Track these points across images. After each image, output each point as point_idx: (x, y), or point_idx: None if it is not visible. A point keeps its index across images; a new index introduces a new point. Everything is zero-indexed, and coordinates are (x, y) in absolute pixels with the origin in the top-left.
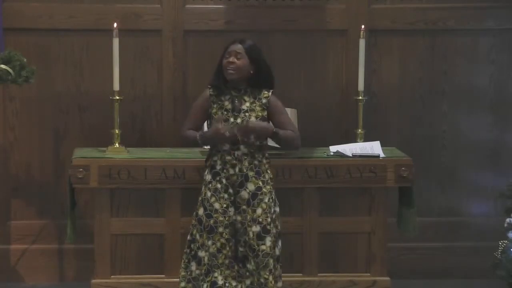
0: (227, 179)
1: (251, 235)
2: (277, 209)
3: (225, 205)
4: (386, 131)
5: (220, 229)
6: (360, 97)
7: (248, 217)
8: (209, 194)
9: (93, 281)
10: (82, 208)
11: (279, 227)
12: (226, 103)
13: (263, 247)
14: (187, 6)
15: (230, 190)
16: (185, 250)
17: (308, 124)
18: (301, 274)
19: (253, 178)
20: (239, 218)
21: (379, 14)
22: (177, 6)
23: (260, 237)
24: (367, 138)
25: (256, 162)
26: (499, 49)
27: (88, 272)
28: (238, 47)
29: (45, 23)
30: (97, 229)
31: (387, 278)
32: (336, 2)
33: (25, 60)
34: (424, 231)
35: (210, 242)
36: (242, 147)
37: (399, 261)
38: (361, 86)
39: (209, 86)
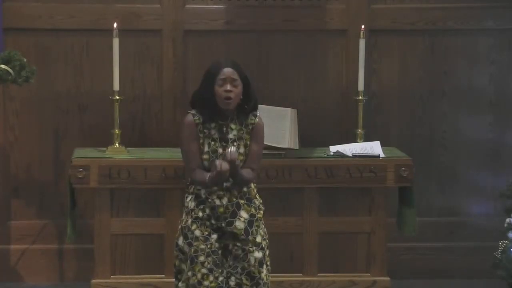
0: (211, 208)
1: (252, 261)
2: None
3: (206, 233)
4: (386, 131)
5: (201, 258)
6: (360, 97)
7: (250, 243)
8: (189, 221)
9: (93, 281)
10: (82, 208)
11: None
12: (213, 131)
13: (263, 274)
14: (187, 6)
15: (213, 221)
16: (174, 283)
17: (308, 124)
18: (301, 274)
19: (245, 206)
20: (238, 244)
21: (379, 14)
22: (177, 6)
23: (261, 263)
24: (367, 138)
25: (245, 189)
26: (499, 49)
27: (88, 272)
28: (231, 71)
29: (45, 23)
30: (97, 229)
31: (387, 278)
32: (336, 2)
33: (25, 60)
34: (424, 231)
35: (190, 273)
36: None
37: (399, 261)
38: (361, 86)
39: (190, 112)
